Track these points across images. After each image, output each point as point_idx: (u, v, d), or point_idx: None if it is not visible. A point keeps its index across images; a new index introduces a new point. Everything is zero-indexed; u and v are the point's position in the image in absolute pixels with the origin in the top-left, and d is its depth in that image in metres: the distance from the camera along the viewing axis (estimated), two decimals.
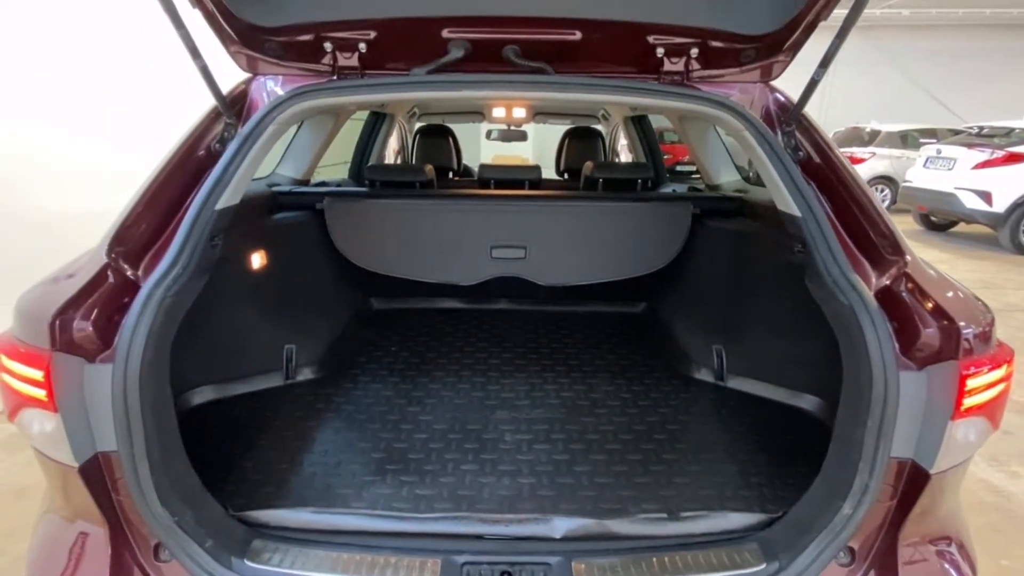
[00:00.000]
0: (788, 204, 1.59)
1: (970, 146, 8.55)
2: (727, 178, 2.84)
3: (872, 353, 1.28)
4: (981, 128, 9.06)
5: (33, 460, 1.43)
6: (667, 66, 1.76)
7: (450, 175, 4.34)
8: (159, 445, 1.30)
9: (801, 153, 1.69)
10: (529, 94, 1.68)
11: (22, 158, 3.62)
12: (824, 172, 1.65)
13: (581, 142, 4.16)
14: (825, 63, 1.49)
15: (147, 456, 1.26)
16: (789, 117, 1.71)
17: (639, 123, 3.85)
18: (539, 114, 4.54)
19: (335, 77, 1.77)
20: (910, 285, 1.35)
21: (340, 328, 2.57)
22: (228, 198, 1.57)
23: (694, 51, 1.72)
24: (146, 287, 1.32)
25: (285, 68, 1.80)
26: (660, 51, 1.73)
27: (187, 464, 1.41)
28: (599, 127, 4.54)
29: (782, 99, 1.82)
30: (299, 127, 2.84)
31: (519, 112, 4.38)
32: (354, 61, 1.76)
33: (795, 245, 1.63)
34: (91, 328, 1.24)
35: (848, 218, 1.56)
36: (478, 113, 4.59)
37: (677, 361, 2.43)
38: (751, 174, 2.79)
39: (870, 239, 1.50)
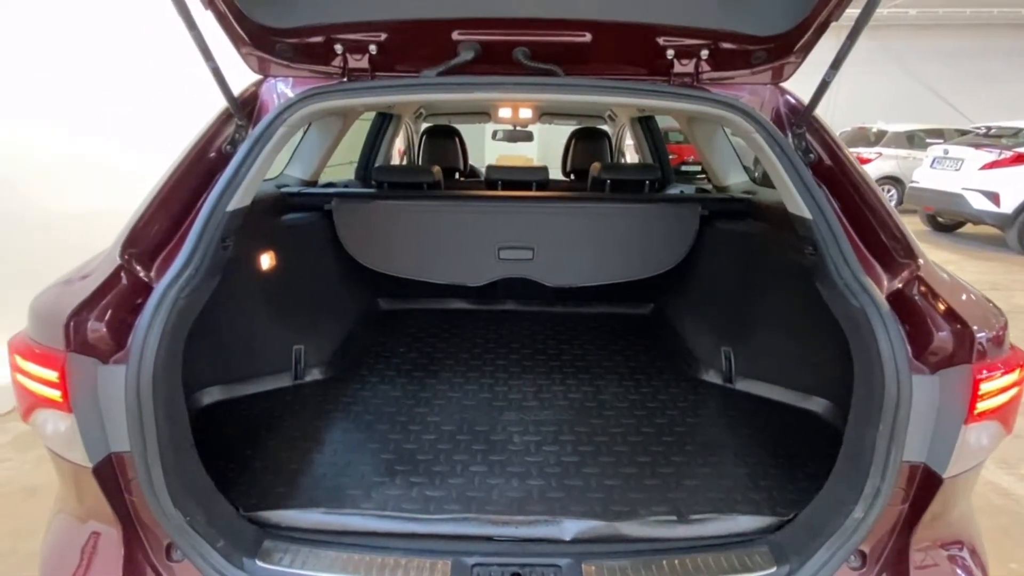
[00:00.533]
0: (799, 206, 1.59)
1: (977, 146, 8.50)
2: (735, 179, 2.83)
3: (884, 356, 1.27)
4: (989, 128, 9.01)
5: (43, 459, 1.44)
6: (677, 68, 1.75)
7: (456, 176, 4.35)
8: (172, 446, 1.31)
9: (812, 155, 1.68)
10: (539, 96, 1.68)
11: (22, 157, 3.63)
12: (835, 175, 1.64)
13: (588, 143, 4.16)
14: (836, 64, 1.48)
15: (160, 457, 1.27)
16: (800, 119, 1.70)
17: (646, 124, 3.85)
18: (545, 115, 4.54)
19: (345, 79, 1.78)
20: (923, 288, 1.35)
21: (348, 329, 2.58)
22: (239, 200, 1.57)
23: (704, 52, 1.71)
24: (159, 288, 1.32)
25: (295, 70, 1.80)
26: (670, 53, 1.72)
27: (199, 465, 1.41)
28: (605, 127, 4.53)
29: (792, 101, 1.82)
30: (307, 128, 2.85)
31: (525, 113, 4.39)
32: (364, 63, 1.76)
33: (806, 247, 1.62)
34: (105, 329, 1.25)
35: (859, 221, 1.55)
36: (484, 114, 4.59)
37: (685, 363, 2.43)
38: (758, 175, 2.79)
39: (882, 242, 1.49)
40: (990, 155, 8.22)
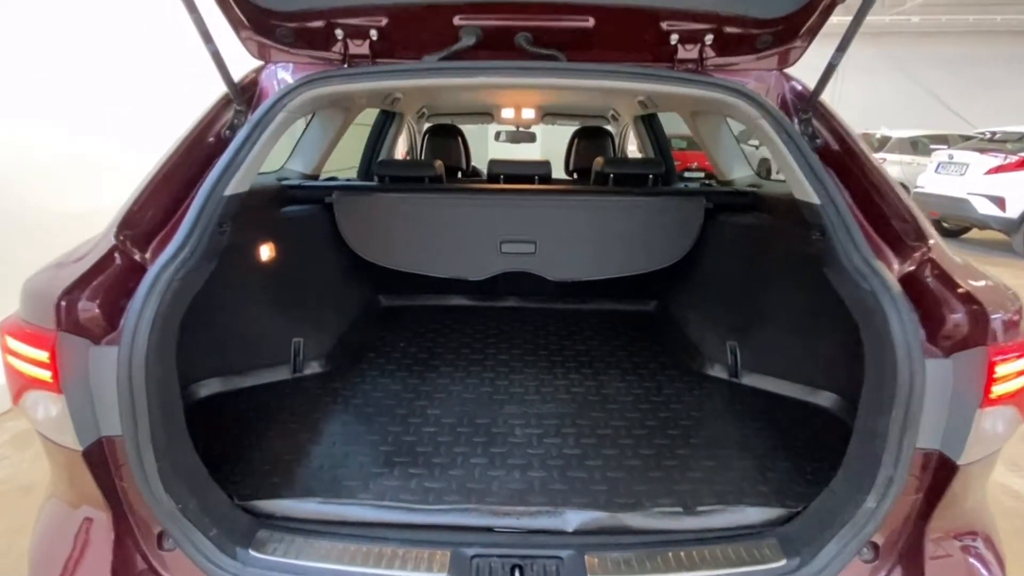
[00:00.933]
0: (806, 192, 1.56)
1: (983, 151, 8.46)
2: (739, 173, 2.80)
3: (896, 340, 1.24)
4: (994, 133, 8.98)
5: (40, 456, 1.41)
6: (681, 53, 1.74)
7: (459, 175, 4.33)
8: (164, 431, 1.28)
9: (819, 141, 1.66)
10: (541, 80, 1.66)
11: (22, 158, 3.63)
12: (843, 159, 1.62)
13: (591, 141, 4.13)
14: (843, 47, 1.47)
15: (151, 441, 1.24)
16: (806, 105, 1.68)
17: (649, 122, 3.83)
18: (548, 114, 4.53)
19: (345, 65, 1.76)
20: (935, 271, 1.31)
21: (348, 322, 2.55)
22: (237, 185, 1.56)
23: (708, 37, 1.70)
24: (154, 269, 1.30)
25: (295, 56, 1.79)
26: (674, 38, 1.71)
27: (192, 452, 1.38)
28: (609, 128, 4.51)
29: (798, 87, 1.79)
30: (309, 122, 2.84)
31: (528, 113, 4.38)
32: (364, 49, 1.75)
33: (813, 234, 1.59)
34: (97, 309, 1.23)
35: (868, 205, 1.52)
36: (487, 114, 4.58)
37: (690, 357, 2.39)
38: (762, 171, 2.76)
39: (891, 225, 1.46)
40: (995, 159, 8.17)
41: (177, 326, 1.37)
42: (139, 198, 1.47)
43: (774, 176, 2.63)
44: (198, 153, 1.60)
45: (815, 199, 1.52)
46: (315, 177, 2.87)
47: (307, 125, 2.83)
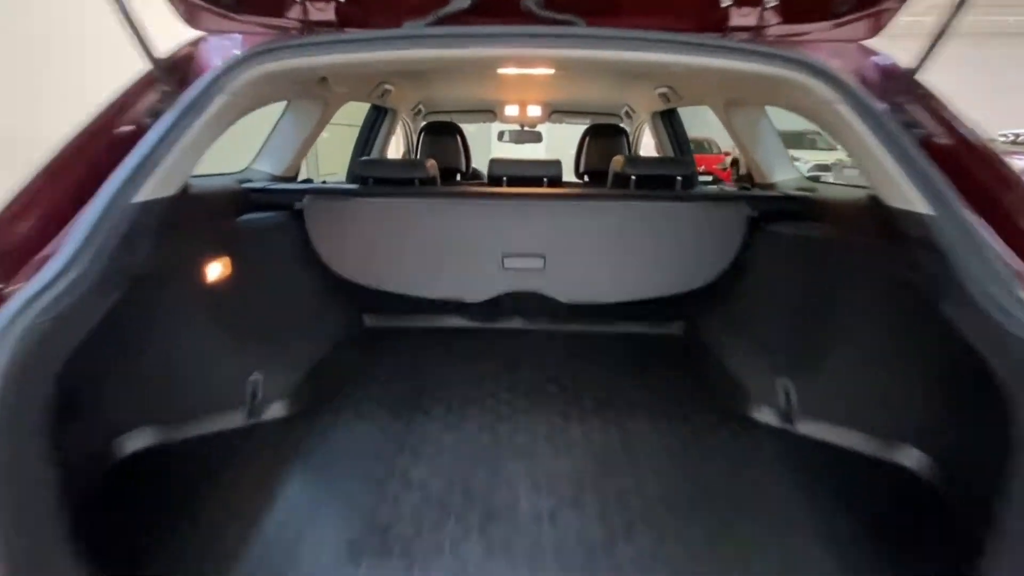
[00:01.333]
0: (905, 198, 1.19)
1: (1008, 154, 8.10)
2: (784, 176, 2.40)
3: None
4: (1016, 135, 8.67)
5: None
6: (735, 19, 1.37)
7: (457, 178, 3.94)
8: (23, 536, 0.89)
9: (918, 131, 1.28)
10: (554, 52, 1.28)
11: (21, 156, 3.36)
12: (954, 155, 1.23)
13: (604, 140, 3.74)
14: (960, 3, 1.10)
15: (2, 556, 0.85)
16: (899, 85, 1.30)
17: (668, 119, 3.44)
18: (556, 111, 4.14)
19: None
20: None
21: (320, 353, 2.13)
22: (156, 188, 1.18)
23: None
24: (9, 308, 0.92)
25: (240, 23, 1.42)
26: (727, 0, 1.33)
27: (73, 560, 0.99)
28: (623, 126, 4.11)
29: (883, 63, 1.42)
30: (281, 116, 2.46)
31: (534, 109, 4.00)
32: (330, 14, 1.39)
33: (919, 253, 1.20)
34: None
35: (999, 217, 1.14)
36: (489, 111, 4.20)
37: (731, 397, 1.98)
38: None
39: None
40: (1020, 162, 7.79)
41: (51, 380, 0.98)
42: (12, 204, 1.09)
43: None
44: (105, 145, 1.22)
45: (922, 208, 1.15)
46: (288, 180, 2.49)
47: (278, 120, 2.46)
